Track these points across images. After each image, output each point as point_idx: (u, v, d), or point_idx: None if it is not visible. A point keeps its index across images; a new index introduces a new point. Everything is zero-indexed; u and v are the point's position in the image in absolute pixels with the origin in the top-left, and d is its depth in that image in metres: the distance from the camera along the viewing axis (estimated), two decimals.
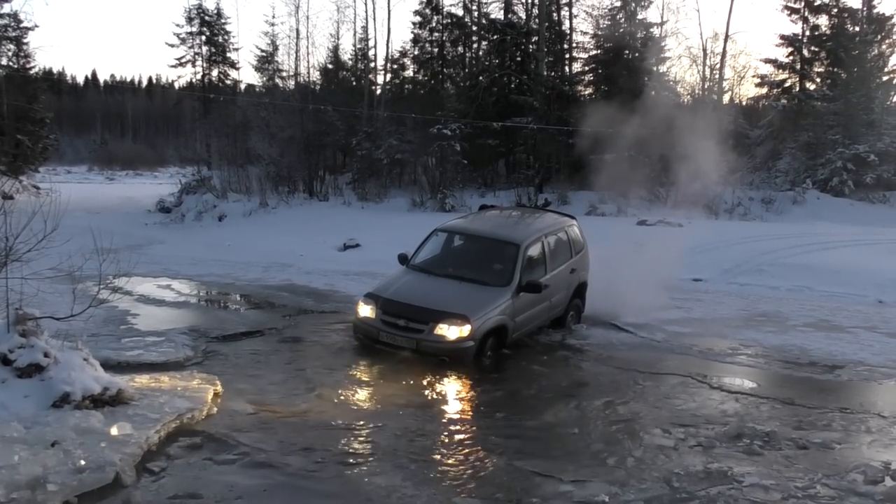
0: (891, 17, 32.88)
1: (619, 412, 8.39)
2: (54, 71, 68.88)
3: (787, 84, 33.64)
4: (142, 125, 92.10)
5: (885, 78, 33.34)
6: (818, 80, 33.19)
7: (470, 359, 9.80)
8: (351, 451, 7.04)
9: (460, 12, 34.98)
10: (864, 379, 10.03)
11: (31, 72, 37.61)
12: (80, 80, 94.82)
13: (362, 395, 8.83)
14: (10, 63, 35.77)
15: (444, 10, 34.60)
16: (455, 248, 11.77)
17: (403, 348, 9.88)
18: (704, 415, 8.34)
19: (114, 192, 42.66)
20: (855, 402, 9.05)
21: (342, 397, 8.62)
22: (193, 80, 40.63)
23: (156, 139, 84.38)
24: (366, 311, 10.34)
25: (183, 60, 39.77)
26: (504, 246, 11.03)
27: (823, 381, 9.96)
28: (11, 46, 35.95)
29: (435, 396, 8.88)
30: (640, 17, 33.30)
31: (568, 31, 34.52)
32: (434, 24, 34.80)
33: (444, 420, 8.07)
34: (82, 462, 6.26)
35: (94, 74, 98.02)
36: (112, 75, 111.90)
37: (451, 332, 9.70)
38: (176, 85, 50.12)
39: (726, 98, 35.68)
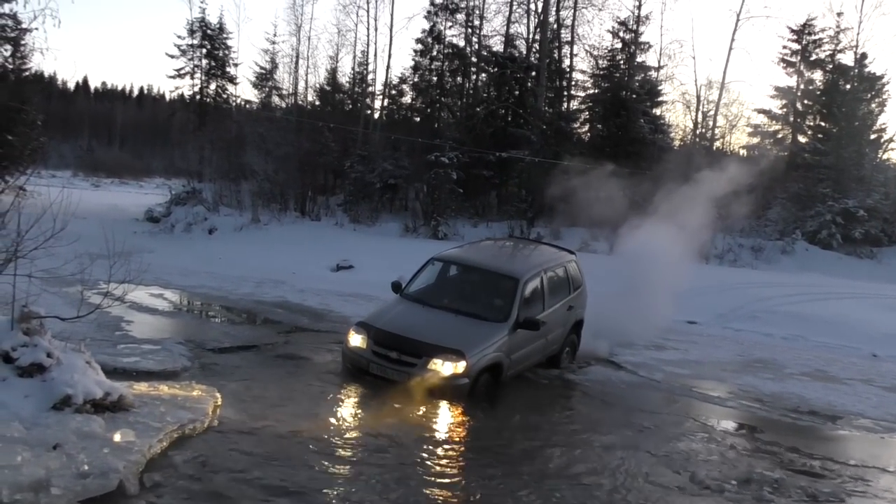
0: (881, 77, 33.46)
1: (624, 452, 8.24)
2: (45, 75, 68.25)
3: (779, 135, 34.10)
4: (130, 134, 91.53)
5: (873, 136, 33.92)
6: (810, 133, 33.64)
7: (464, 396, 9.27)
8: (339, 476, 6.86)
9: (461, 43, 35.17)
10: (865, 430, 10.01)
11: (26, 74, 37.29)
12: (71, 85, 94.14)
13: (355, 421, 8.60)
14: (7, 63, 35.40)
15: (446, 39, 34.77)
16: (451, 278, 11.43)
17: (394, 382, 9.33)
18: (711, 458, 8.26)
19: (99, 199, 42.17)
20: (858, 454, 9.01)
21: (337, 420, 8.47)
22: (191, 93, 40.39)
23: (143, 149, 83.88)
24: (357, 340, 9.84)
25: (182, 72, 39.58)
26: (503, 280, 10.64)
27: (825, 431, 9.94)
28: (8, 47, 35.59)
29: (424, 431, 8.37)
30: (638, 59, 33.68)
31: (568, 69, 34.84)
32: (435, 53, 34.93)
33: (431, 458, 7.54)
34: (85, 467, 6.08)
35: (85, 80, 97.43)
36: (103, 83, 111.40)
37: (446, 367, 9.22)
38: (173, 96, 49.81)
39: (717, 145, 36.10)
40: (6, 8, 34.66)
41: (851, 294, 19.43)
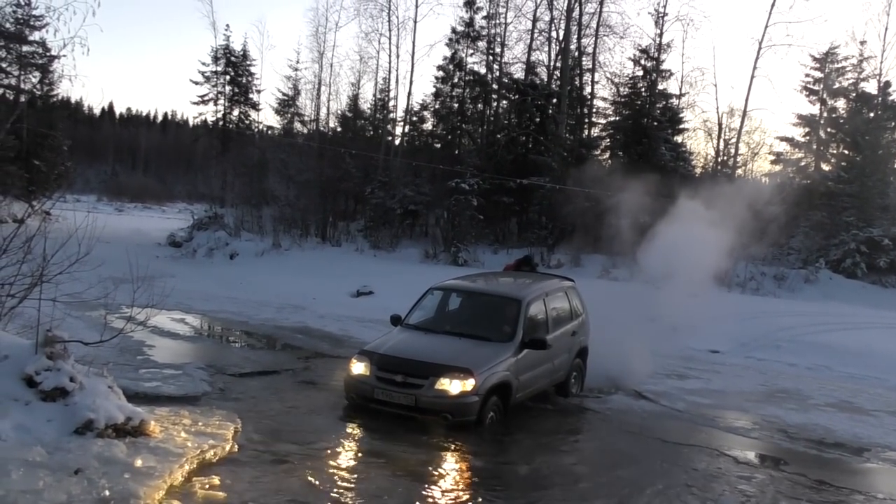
0: None
1: (649, 482, 8.14)
2: (73, 101, 69.42)
3: (802, 163, 33.89)
4: (153, 159, 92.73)
5: None
6: (833, 161, 33.42)
7: (474, 415, 9.12)
8: None
9: (483, 70, 35.46)
10: (893, 463, 9.80)
11: (53, 100, 37.98)
12: (97, 111, 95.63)
13: (374, 450, 8.43)
14: (35, 89, 36.06)
15: (467, 67, 35.06)
16: (452, 306, 11.30)
17: (401, 406, 9.16)
18: (736, 491, 8.11)
19: (123, 223, 42.64)
20: (886, 487, 8.81)
21: (356, 449, 8.45)
22: (214, 118, 40.78)
23: (166, 174, 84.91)
24: (359, 368, 9.62)
25: (206, 98, 40.03)
26: (506, 302, 10.66)
27: (852, 464, 9.74)
28: (37, 73, 36.25)
29: (443, 462, 8.25)
30: (660, 87, 33.70)
31: (589, 96, 34.94)
32: (456, 80, 35.22)
33: (450, 492, 7.37)
34: (106, 492, 6.07)
35: (110, 106, 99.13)
36: (128, 108, 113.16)
37: (454, 386, 9.04)
38: (196, 122, 50.20)
39: (739, 173, 35.88)
40: (36, 36, 35.46)
41: (877, 324, 19.17)
